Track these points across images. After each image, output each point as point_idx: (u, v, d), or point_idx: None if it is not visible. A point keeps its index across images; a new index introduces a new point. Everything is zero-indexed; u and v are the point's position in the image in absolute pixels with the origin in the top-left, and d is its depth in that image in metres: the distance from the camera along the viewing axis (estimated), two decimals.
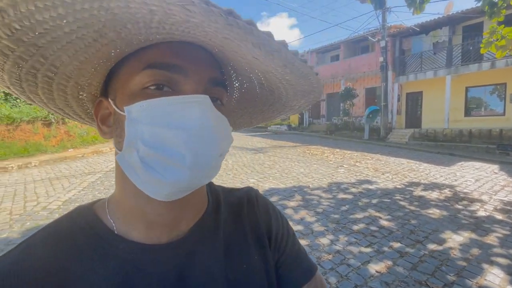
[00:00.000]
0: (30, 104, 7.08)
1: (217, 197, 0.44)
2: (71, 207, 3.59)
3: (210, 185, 0.45)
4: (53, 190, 4.83)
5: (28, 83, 0.32)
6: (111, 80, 0.34)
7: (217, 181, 3.73)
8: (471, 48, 11.35)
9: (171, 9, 0.22)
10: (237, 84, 0.43)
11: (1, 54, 0.27)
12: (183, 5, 0.21)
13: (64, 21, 0.24)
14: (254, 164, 6.92)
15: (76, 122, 7.00)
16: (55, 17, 0.23)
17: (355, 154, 8.84)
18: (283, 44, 0.26)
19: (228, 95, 0.41)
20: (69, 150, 9.20)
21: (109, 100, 0.34)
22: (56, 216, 3.58)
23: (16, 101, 8.48)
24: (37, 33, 0.25)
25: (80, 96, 0.37)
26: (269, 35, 0.25)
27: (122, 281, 0.32)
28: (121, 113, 0.31)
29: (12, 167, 6.65)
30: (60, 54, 0.29)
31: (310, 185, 5.02)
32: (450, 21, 11.90)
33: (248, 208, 0.44)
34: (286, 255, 0.44)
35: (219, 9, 0.22)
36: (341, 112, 16.60)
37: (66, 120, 9.64)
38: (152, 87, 0.31)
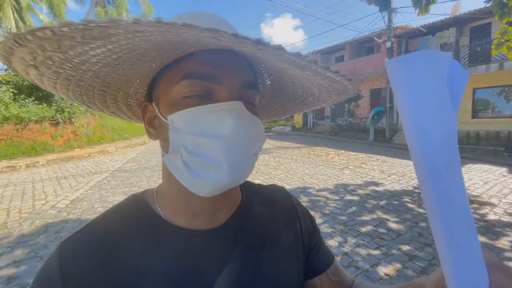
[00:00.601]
0: (38, 104, 7.18)
1: (249, 191, 0.48)
2: (79, 206, 3.64)
3: (245, 183, 0.49)
4: (61, 189, 4.88)
5: (87, 96, 0.38)
6: (154, 87, 0.38)
7: None
8: (478, 49, 11.21)
9: (204, 37, 0.25)
10: (269, 82, 0.46)
11: (65, 79, 0.33)
12: (215, 37, 0.24)
13: (113, 53, 0.29)
14: (259, 165, 6.92)
15: (82, 122, 7.14)
16: (105, 51, 0.28)
17: (361, 156, 8.78)
18: (314, 61, 0.28)
19: (260, 94, 0.44)
20: (76, 149, 9.30)
21: (153, 105, 0.37)
22: (64, 214, 3.62)
23: (25, 101, 8.60)
24: (91, 62, 0.30)
25: (129, 102, 0.42)
26: (297, 56, 0.26)
27: (168, 260, 0.35)
28: (165, 120, 0.35)
29: (20, 166, 6.75)
30: (110, 74, 0.34)
31: (316, 186, 5.00)
32: (457, 22, 11.77)
33: (282, 204, 0.49)
34: (314, 244, 0.50)
35: (248, 39, 0.23)
36: (345, 113, 16.53)
37: (73, 120, 9.76)
38: (191, 96, 0.33)
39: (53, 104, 9.20)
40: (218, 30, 0.22)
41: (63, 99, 6.47)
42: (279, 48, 0.25)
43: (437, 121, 0.22)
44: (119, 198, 4.36)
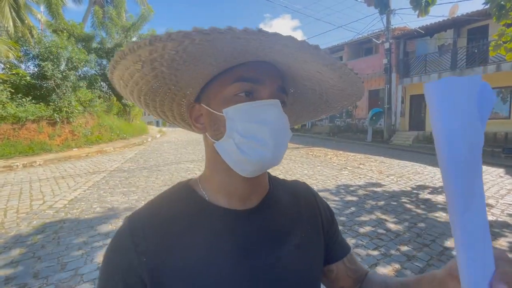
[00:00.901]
0: (36, 103, 7.15)
1: (275, 183, 0.55)
2: (77, 206, 3.62)
3: (269, 175, 0.56)
4: (59, 189, 4.86)
5: (156, 97, 0.48)
6: (205, 91, 0.46)
7: None
8: (476, 51, 11.29)
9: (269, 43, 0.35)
10: (291, 91, 0.54)
11: (152, 90, 0.45)
12: (286, 44, 0.34)
13: (187, 63, 0.39)
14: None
15: (80, 122, 7.13)
16: (182, 64, 0.39)
17: (359, 156, 8.81)
18: (345, 64, 0.39)
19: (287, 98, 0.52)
20: (74, 149, 9.26)
21: (202, 104, 0.47)
22: (62, 215, 3.60)
23: (22, 100, 8.55)
24: (173, 71, 0.41)
25: (182, 102, 0.51)
26: (335, 59, 0.37)
27: (210, 233, 0.44)
28: (218, 113, 0.43)
29: (17, 165, 6.70)
30: (184, 77, 0.43)
31: (314, 187, 5.01)
32: (455, 24, 11.85)
33: (304, 196, 0.57)
34: (332, 234, 0.57)
35: (303, 42, 0.33)
36: (344, 114, 16.58)
37: (71, 119, 9.71)
38: (241, 94, 0.42)
39: (51, 103, 9.15)
40: (292, 38, 0.32)
41: (60, 98, 6.42)
42: (317, 47, 0.34)
43: (464, 134, 0.27)
44: (118, 198, 4.34)
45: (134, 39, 14.49)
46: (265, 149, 0.41)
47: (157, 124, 43.89)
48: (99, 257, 2.55)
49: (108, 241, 2.85)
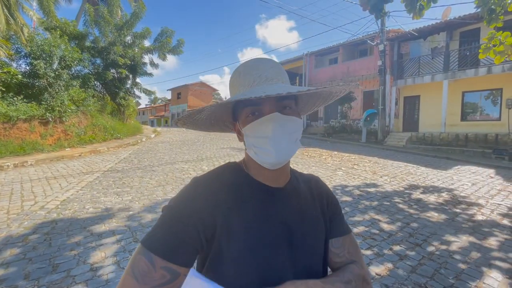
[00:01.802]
0: (27, 102, 7.02)
1: (295, 174, 0.72)
2: (70, 206, 3.55)
3: (291, 168, 0.72)
4: (51, 189, 4.78)
5: (206, 126, 0.71)
6: (236, 114, 0.65)
7: None
8: (468, 53, 11.50)
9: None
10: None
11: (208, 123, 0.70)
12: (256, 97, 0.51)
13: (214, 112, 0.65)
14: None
15: (73, 121, 7.05)
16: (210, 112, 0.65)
17: (353, 157, 8.88)
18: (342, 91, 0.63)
19: (296, 99, 0.65)
20: (66, 149, 9.12)
21: (237, 123, 0.64)
22: (54, 215, 3.55)
23: (13, 99, 8.39)
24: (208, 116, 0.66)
25: (225, 123, 0.74)
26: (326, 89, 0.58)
27: (257, 199, 0.60)
28: (242, 131, 0.61)
29: (8, 165, 6.58)
30: (216, 115, 0.68)
31: None
32: (448, 27, 12.04)
33: (315, 185, 0.73)
34: (335, 216, 0.72)
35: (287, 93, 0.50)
36: (339, 115, 16.69)
37: (64, 119, 9.57)
38: (250, 115, 0.59)
39: (43, 102, 9.00)
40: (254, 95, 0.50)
41: (53, 97, 6.34)
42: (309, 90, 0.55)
43: None
44: (111, 198, 4.30)
45: (128, 38, 14.35)
46: (270, 155, 0.56)
47: (152, 124, 43.55)
48: (92, 258, 2.52)
49: (102, 241, 2.83)
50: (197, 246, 0.52)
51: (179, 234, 0.50)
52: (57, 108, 9.24)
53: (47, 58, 9.15)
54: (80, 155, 8.49)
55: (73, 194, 4.50)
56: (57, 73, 9.42)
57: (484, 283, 2.27)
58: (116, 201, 4.17)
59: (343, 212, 3.22)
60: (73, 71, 11.34)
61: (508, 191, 5.21)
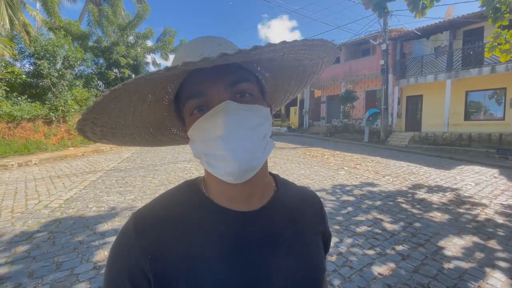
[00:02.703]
0: (31, 102, 7.10)
1: (284, 186, 0.54)
2: (73, 205, 3.58)
3: (276, 177, 0.55)
4: (54, 188, 4.82)
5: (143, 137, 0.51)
6: (183, 117, 0.47)
7: None
8: (471, 52, 11.41)
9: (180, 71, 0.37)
10: (267, 75, 0.51)
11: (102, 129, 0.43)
12: (184, 68, 0.32)
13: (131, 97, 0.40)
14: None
15: (76, 121, 7.20)
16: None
17: (355, 157, 8.85)
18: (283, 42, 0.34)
19: (259, 83, 0.48)
20: (70, 148, 9.19)
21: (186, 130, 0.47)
22: (58, 214, 3.58)
23: (17, 99, 8.46)
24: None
25: (174, 132, 0.55)
26: (269, 45, 0.32)
27: (214, 233, 0.44)
28: (188, 136, 0.46)
29: (12, 165, 6.64)
30: (142, 117, 0.47)
31: (311, 187, 5.03)
32: (451, 26, 11.95)
33: (312, 204, 0.56)
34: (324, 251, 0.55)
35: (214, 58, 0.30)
36: (341, 115, 16.63)
37: (67, 118, 9.64)
38: (195, 111, 0.42)
39: (47, 102, 9.07)
40: (185, 64, 0.30)
41: (56, 97, 6.38)
42: (248, 51, 0.31)
43: None
44: (114, 197, 4.32)
45: (130, 38, 14.42)
46: (227, 162, 0.39)
47: None
48: (95, 257, 2.54)
49: (105, 240, 2.85)
50: None
51: None
52: (61, 108, 9.31)
53: (51, 58, 9.22)
54: (83, 155, 8.55)
55: (77, 193, 4.53)
56: (60, 73, 9.49)
57: (487, 283, 2.25)
58: (119, 200, 4.19)
59: (346, 211, 3.21)
60: (76, 71, 11.43)
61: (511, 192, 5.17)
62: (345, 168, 6.96)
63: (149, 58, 15.71)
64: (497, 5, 3.69)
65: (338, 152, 9.88)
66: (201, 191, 0.48)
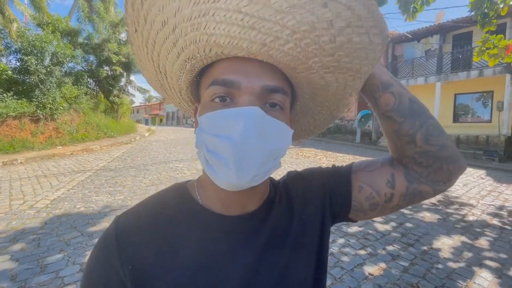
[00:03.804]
0: (18, 99, 6.88)
1: (274, 186, 0.51)
2: (60, 206, 3.48)
3: (271, 179, 0.52)
4: (41, 188, 4.68)
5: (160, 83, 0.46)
6: (199, 90, 0.42)
7: None
8: (460, 56, 11.68)
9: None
10: (305, 90, 0.44)
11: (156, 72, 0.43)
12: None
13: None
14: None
15: (65, 119, 6.89)
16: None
17: (347, 157, 8.94)
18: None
19: (294, 98, 0.45)
20: (58, 147, 8.96)
21: (198, 105, 0.43)
22: (44, 215, 3.48)
23: (3, 96, 8.20)
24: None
25: (182, 95, 0.47)
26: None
27: (201, 240, 0.41)
28: (198, 119, 0.40)
29: None
30: (166, 63, 0.40)
31: None
32: (441, 30, 12.21)
33: (295, 187, 0.51)
34: (333, 184, 0.50)
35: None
36: None
37: (55, 116, 9.40)
38: (217, 99, 0.37)
39: (34, 99, 8.82)
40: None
41: (44, 94, 6.20)
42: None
43: None
44: (103, 197, 4.23)
45: (122, 35, 14.18)
46: (226, 170, 0.34)
47: (146, 123, 43.17)
48: (83, 259, 2.47)
49: (93, 241, 2.77)
50: None
51: None
52: (49, 105, 9.07)
53: (39, 54, 8.97)
54: (72, 154, 8.35)
55: (64, 193, 4.41)
56: (48, 69, 9.24)
57: (474, 282, 2.30)
58: (108, 201, 4.10)
59: None
60: (65, 68, 11.16)
61: (498, 192, 5.31)
62: None
63: None
64: (486, 10, 3.78)
65: (330, 152, 9.95)
66: (191, 196, 0.44)
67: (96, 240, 2.63)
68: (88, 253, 2.57)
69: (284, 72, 0.39)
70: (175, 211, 0.43)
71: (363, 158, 8.72)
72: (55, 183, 4.99)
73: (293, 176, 0.53)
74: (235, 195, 0.41)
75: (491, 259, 2.69)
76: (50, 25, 11.14)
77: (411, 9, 3.79)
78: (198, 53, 0.36)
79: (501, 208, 4.31)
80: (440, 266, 2.53)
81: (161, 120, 43.80)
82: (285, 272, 0.43)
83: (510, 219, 3.80)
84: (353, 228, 3.30)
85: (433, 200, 4.63)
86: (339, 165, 0.54)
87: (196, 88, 0.44)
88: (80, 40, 13.02)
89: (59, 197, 4.20)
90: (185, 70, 0.40)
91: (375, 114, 0.50)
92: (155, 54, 0.39)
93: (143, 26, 0.36)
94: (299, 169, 0.56)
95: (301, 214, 0.48)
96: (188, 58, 0.37)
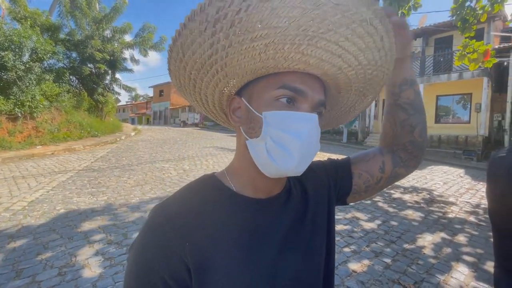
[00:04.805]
0: None
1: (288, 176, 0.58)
2: (38, 208, 3.34)
3: None
4: (18, 189, 4.48)
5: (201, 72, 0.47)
6: (248, 87, 0.48)
7: None
8: (441, 59, 12.12)
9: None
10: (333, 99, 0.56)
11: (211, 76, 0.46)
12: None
13: (240, 37, 0.39)
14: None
15: (45, 118, 6.60)
16: (236, 37, 0.39)
17: (335, 157, 9.06)
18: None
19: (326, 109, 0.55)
20: (37, 147, 8.59)
21: (242, 99, 0.48)
22: (20, 217, 3.33)
23: None
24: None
25: (223, 91, 0.50)
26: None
27: (238, 220, 0.47)
28: (257, 114, 0.45)
29: None
30: (233, 62, 0.43)
31: None
32: (424, 33, 12.63)
33: (306, 175, 0.55)
34: (337, 173, 0.61)
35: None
36: None
37: (35, 115, 9.01)
38: (283, 99, 0.44)
39: (11, 97, 8.41)
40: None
41: (22, 91, 5.91)
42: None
43: None
44: (85, 199, 4.09)
45: (107, 32, 13.78)
46: (290, 160, 0.43)
47: (133, 122, 42.18)
48: (61, 262, 2.38)
49: (73, 244, 2.68)
50: None
51: None
52: (28, 103, 8.68)
53: (16, 50, 8.56)
54: (52, 154, 8.03)
55: (43, 195, 4.24)
56: (27, 65, 8.84)
57: (451, 276, 2.39)
58: (90, 202, 3.98)
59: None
60: (45, 65, 10.72)
61: (476, 190, 5.55)
62: None
63: (127, 53, 15.08)
64: (466, 16, 3.94)
65: (318, 152, 10.07)
66: (223, 183, 0.50)
67: (77, 243, 2.54)
68: (67, 256, 2.48)
69: (329, 90, 0.51)
70: (213, 196, 0.48)
71: None
72: (33, 184, 4.79)
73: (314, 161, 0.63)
74: (268, 181, 0.49)
75: (468, 254, 2.81)
76: (28, 19, 10.67)
77: (399, 14, 3.90)
78: (280, 61, 0.42)
79: (477, 205, 4.51)
80: (420, 262, 2.62)
81: (148, 119, 42.92)
82: (306, 248, 0.51)
83: (486, 216, 3.98)
84: (339, 227, 3.35)
85: (416, 198, 4.78)
86: (335, 158, 0.67)
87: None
88: (62, 36, 12.53)
89: (38, 199, 4.03)
90: (254, 72, 0.46)
91: (388, 102, 0.61)
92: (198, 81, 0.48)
93: (189, 76, 0.47)
94: None
95: (313, 199, 0.56)
96: (272, 62, 0.43)
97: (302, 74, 0.45)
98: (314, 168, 0.61)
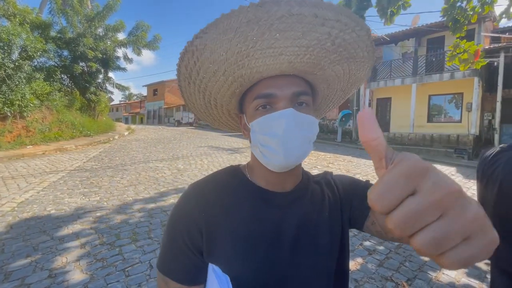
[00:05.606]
0: None
1: (307, 176, 0.64)
2: (28, 209, 3.28)
3: (303, 170, 0.66)
4: (7, 190, 4.38)
5: (207, 109, 0.63)
6: (243, 104, 0.58)
7: (192, 181, 3.64)
8: (434, 59, 12.28)
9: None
10: (324, 85, 0.61)
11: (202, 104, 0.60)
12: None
13: (205, 79, 0.52)
14: (230, 164, 6.86)
15: (36, 117, 6.49)
16: (205, 80, 0.52)
17: (328, 156, 9.13)
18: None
19: (315, 94, 0.61)
20: (28, 147, 8.42)
21: (244, 115, 0.58)
22: (10, 219, 3.27)
23: None
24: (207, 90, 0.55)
25: (231, 114, 0.64)
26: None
27: (253, 206, 0.55)
28: (249, 125, 0.55)
29: None
30: (217, 97, 0.57)
31: None
32: (416, 33, 12.77)
33: (326, 183, 0.65)
34: (355, 197, 0.62)
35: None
36: None
37: (25, 114, 8.83)
38: (260, 108, 0.52)
39: (0, 96, 8.23)
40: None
41: (12, 90, 5.81)
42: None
43: None
44: (76, 199, 4.03)
45: (99, 30, 13.57)
46: (278, 156, 0.50)
47: (126, 121, 41.70)
48: (52, 264, 2.33)
49: (64, 245, 2.64)
50: (196, 263, 0.52)
51: (179, 256, 0.52)
52: (17, 102, 8.49)
53: (5, 48, 8.37)
54: (43, 153, 7.89)
55: (33, 196, 4.15)
56: (17, 64, 8.65)
57: (443, 273, 2.42)
58: (83, 202, 3.91)
59: None
60: (36, 63, 10.51)
61: (466, 188, 5.64)
62: (318, 167, 7.14)
63: (120, 52, 14.86)
64: (457, 17, 3.98)
65: (312, 151, 10.11)
66: (244, 174, 0.59)
67: (68, 244, 2.50)
68: (58, 258, 2.44)
69: (305, 79, 0.55)
70: (232, 182, 0.58)
71: (344, 157, 8.96)
72: (23, 185, 4.69)
73: (339, 175, 0.69)
74: (277, 175, 0.55)
75: None
76: (17, 16, 10.44)
77: (388, 13, 3.92)
78: (245, 82, 0.52)
79: None
80: (413, 259, 2.65)
81: (142, 118, 42.47)
82: (311, 245, 0.56)
83: None
84: None
85: None
86: (370, 183, 0.66)
87: (239, 105, 0.60)
88: (53, 33, 12.29)
89: (27, 200, 3.95)
90: (235, 95, 0.56)
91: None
92: (206, 93, 0.56)
93: (196, 77, 0.52)
94: None
95: (331, 204, 0.61)
96: (237, 87, 0.53)
97: (272, 79, 0.51)
98: (344, 182, 0.66)
